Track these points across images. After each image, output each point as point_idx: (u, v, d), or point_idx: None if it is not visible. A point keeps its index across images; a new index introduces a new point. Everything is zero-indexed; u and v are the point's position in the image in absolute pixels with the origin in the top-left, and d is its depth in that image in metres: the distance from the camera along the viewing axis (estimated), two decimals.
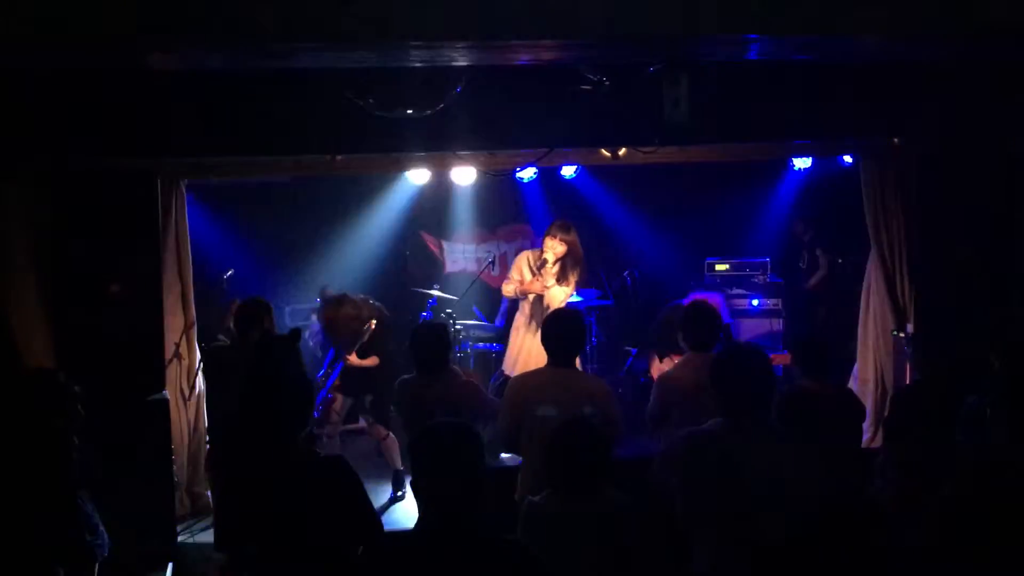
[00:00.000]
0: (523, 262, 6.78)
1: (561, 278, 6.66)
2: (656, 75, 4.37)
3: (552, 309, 6.37)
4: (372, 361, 6.45)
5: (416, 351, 4.66)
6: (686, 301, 6.68)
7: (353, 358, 6.37)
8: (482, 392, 4.92)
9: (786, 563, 3.18)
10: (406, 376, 4.78)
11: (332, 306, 6.49)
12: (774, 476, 3.19)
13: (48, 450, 3.84)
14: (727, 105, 5.07)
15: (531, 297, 6.71)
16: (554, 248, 6.57)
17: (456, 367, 4.96)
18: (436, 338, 4.70)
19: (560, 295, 6.57)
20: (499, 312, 8.08)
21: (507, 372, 6.82)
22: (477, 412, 4.54)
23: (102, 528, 4.19)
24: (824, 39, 4.11)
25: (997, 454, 2.90)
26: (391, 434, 6.36)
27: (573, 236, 6.62)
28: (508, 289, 6.84)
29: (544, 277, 6.58)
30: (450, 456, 2.58)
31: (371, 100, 4.77)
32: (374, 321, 6.38)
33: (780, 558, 3.19)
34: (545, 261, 6.57)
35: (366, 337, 6.36)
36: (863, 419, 4.76)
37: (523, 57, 4.25)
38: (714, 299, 6.70)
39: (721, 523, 3.26)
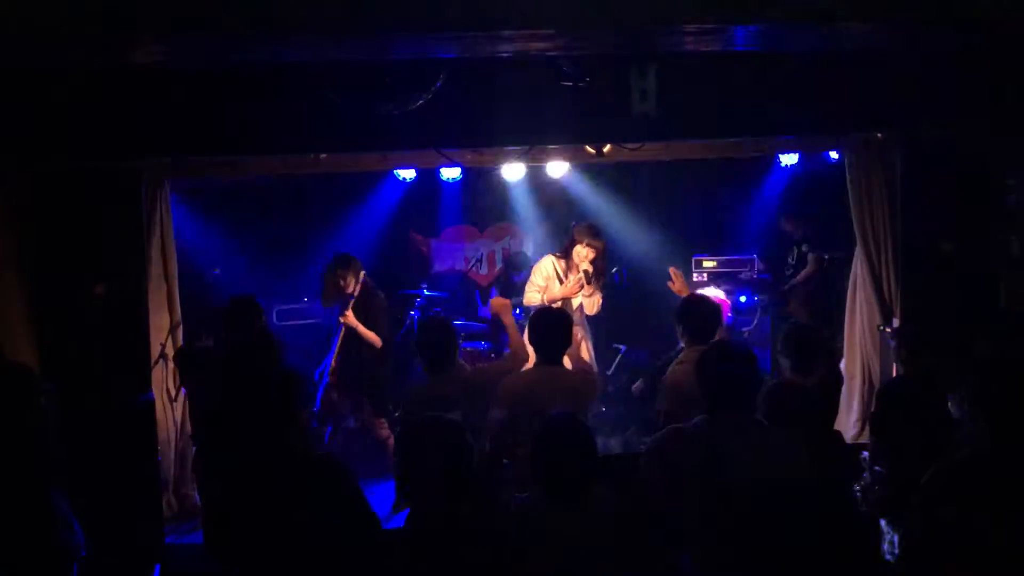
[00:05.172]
0: (549, 269, 6.48)
1: (596, 283, 6.43)
2: (626, 69, 4.38)
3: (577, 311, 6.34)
4: (374, 337, 6.39)
5: (424, 350, 4.63)
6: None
7: (349, 316, 6.35)
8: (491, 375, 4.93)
9: (776, 559, 3.20)
10: (414, 384, 4.83)
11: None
12: (760, 472, 3.21)
13: (15, 446, 3.80)
14: (705, 99, 5.07)
15: (558, 304, 6.35)
16: (588, 255, 6.30)
17: (461, 361, 4.95)
18: (443, 334, 4.69)
19: (596, 303, 6.41)
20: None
21: None
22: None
23: (77, 526, 4.16)
24: (806, 29, 4.11)
25: (974, 451, 2.91)
26: (392, 435, 6.33)
27: (603, 241, 6.41)
28: (534, 298, 6.40)
29: (594, 286, 6.36)
30: (434, 451, 2.58)
31: (352, 97, 4.76)
32: (362, 273, 6.40)
33: (769, 554, 3.20)
34: (586, 272, 6.31)
35: (350, 288, 6.35)
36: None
37: (504, 48, 4.24)
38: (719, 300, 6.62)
39: (708, 519, 3.26)
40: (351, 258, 6.55)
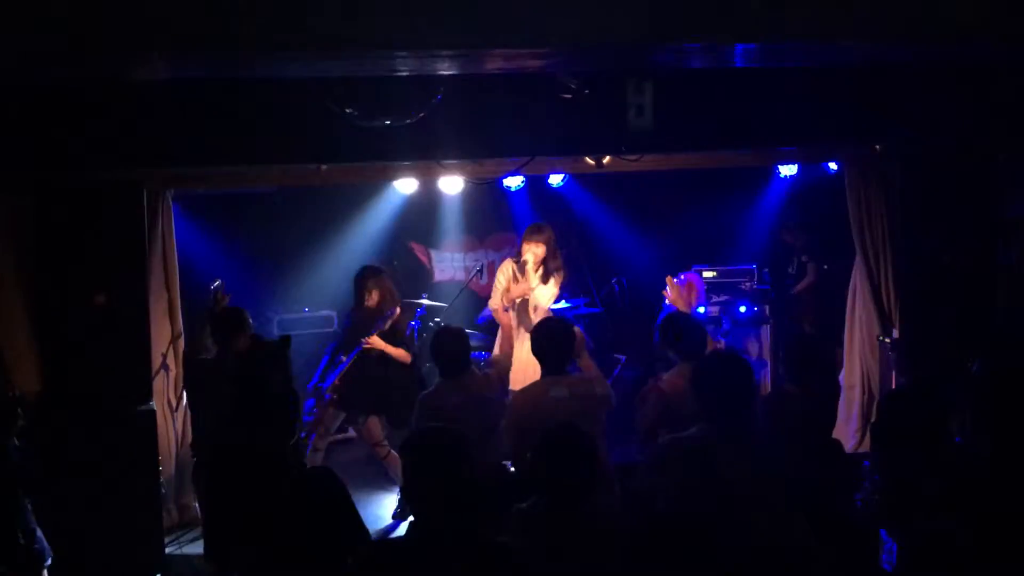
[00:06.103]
0: (508, 269, 6.64)
1: (544, 278, 6.59)
2: (624, 83, 4.41)
3: (539, 310, 6.38)
4: (402, 354, 6.29)
5: (439, 355, 4.80)
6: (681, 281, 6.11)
7: (376, 339, 6.24)
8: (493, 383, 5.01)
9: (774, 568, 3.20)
10: (425, 391, 4.89)
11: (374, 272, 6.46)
12: (757, 481, 3.21)
13: None
14: (703, 112, 5.09)
15: (517, 304, 6.64)
16: (533, 251, 6.46)
17: (475, 368, 5.02)
18: (458, 341, 4.86)
19: (547, 293, 6.51)
20: (483, 315, 8.07)
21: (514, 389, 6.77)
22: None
23: (40, 533, 4.19)
24: (804, 45, 4.13)
25: (973, 461, 2.92)
26: (392, 451, 6.31)
27: (548, 235, 6.51)
28: (495, 302, 6.60)
29: (528, 279, 6.53)
30: (436, 459, 2.61)
31: (353, 110, 4.79)
32: (399, 309, 6.34)
33: (765, 562, 3.20)
34: (526, 262, 6.51)
35: (387, 324, 6.26)
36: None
37: (503, 65, 4.27)
38: (693, 278, 6.55)
39: (706, 527, 3.26)
40: (366, 268, 6.50)
